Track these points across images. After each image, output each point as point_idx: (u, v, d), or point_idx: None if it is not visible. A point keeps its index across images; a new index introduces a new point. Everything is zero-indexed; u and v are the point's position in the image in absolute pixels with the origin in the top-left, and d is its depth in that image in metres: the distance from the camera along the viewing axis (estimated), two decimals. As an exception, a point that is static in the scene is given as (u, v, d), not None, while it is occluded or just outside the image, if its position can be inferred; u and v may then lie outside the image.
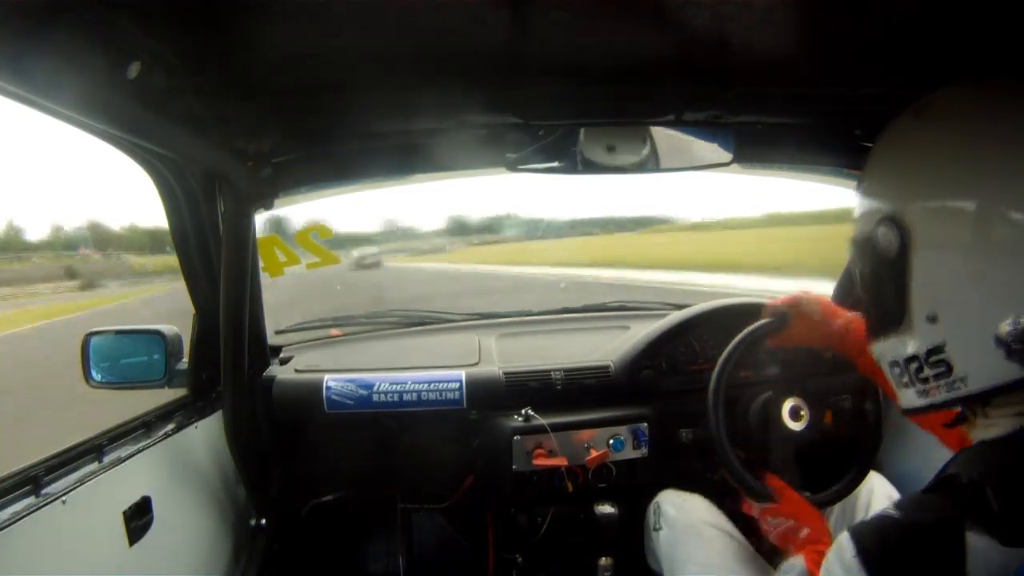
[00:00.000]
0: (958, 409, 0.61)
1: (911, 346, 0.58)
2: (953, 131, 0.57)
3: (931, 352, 0.56)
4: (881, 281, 0.59)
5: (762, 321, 1.11)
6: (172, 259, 1.30)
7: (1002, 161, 0.53)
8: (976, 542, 0.48)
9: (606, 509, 1.34)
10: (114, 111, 0.72)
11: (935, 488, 0.55)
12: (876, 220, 0.59)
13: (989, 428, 0.58)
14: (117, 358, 1.28)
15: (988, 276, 0.52)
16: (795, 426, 1.15)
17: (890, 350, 0.61)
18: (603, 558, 1.38)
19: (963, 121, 0.57)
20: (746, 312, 1.39)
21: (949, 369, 0.55)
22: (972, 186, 0.53)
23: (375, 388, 1.38)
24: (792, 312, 1.05)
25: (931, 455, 0.97)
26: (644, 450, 1.38)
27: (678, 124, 1.16)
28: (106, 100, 0.69)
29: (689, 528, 1.13)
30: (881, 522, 0.54)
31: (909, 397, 0.61)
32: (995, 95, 0.58)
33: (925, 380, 0.58)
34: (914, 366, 0.58)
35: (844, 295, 1.61)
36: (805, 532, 0.94)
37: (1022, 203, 0.51)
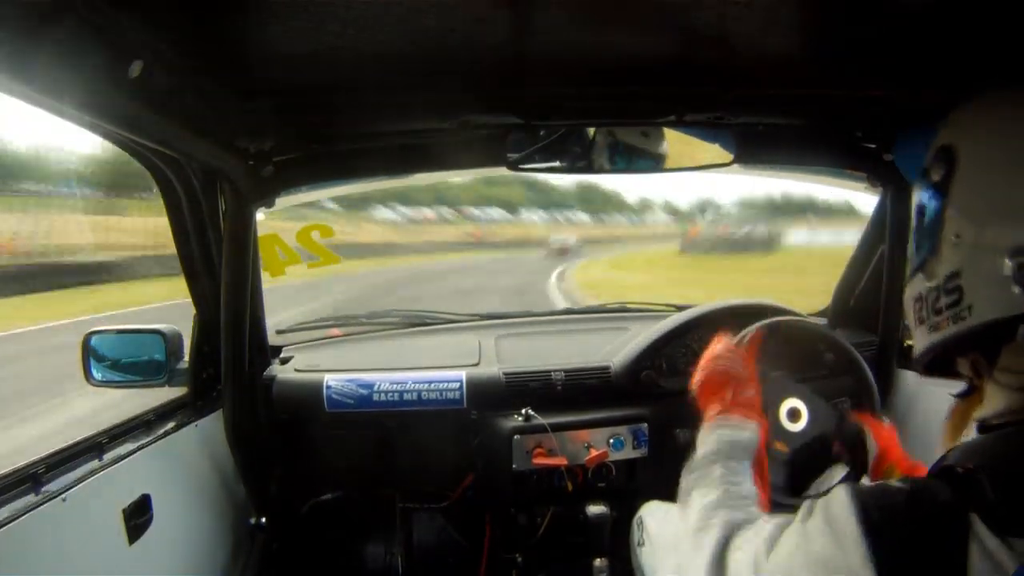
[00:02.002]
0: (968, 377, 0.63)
1: (936, 275, 0.60)
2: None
3: (949, 277, 0.58)
4: (925, 210, 0.63)
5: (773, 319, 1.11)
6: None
7: None
8: (980, 528, 0.48)
9: (598, 509, 1.34)
10: (116, 110, 0.72)
11: (937, 478, 0.55)
12: (935, 151, 0.62)
13: (987, 403, 0.58)
14: (118, 357, 1.28)
15: (1008, 209, 0.55)
16: (792, 427, 1.15)
17: (918, 284, 0.63)
18: (598, 559, 1.38)
19: None
20: (746, 313, 1.39)
21: (960, 298, 0.57)
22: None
23: (375, 388, 1.38)
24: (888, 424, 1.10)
25: (928, 457, 0.97)
26: (644, 450, 1.38)
27: (679, 125, 1.16)
28: (108, 99, 0.69)
29: (669, 543, 1.12)
30: (887, 490, 0.52)
31: (922, 337, 0.63)
32: None
33: (938, 311, 0.59)
34: (933, 296, 0.60)
35: (847, 291, 1.62)
36: None
37: None
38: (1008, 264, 0.52)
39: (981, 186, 0.57)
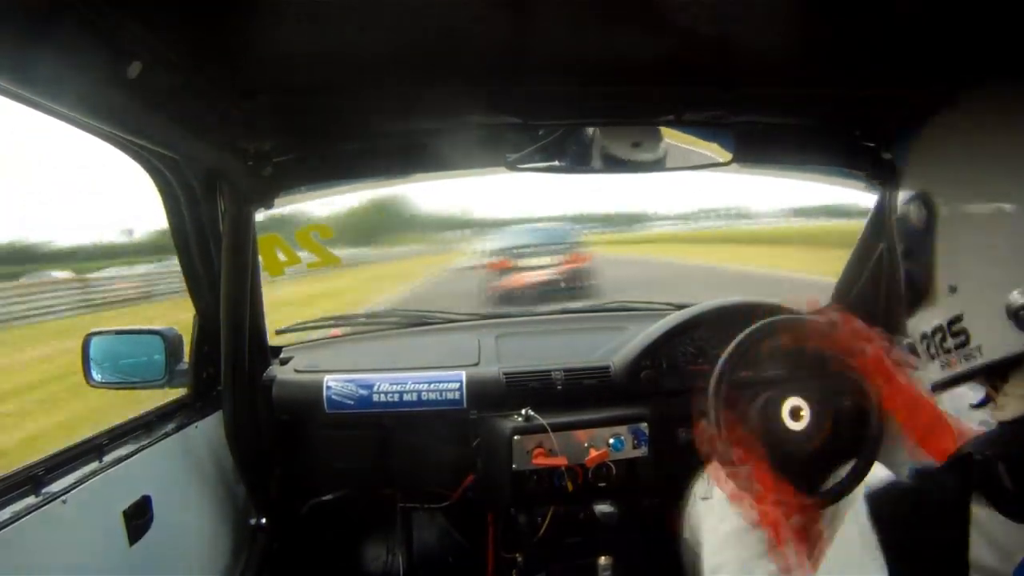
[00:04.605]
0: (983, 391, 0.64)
1: (936, 318, 0.62)
2: (982, 121, 0.61)
3: (952, 322, 0.60)
4: (912, 255, 0.64)
5: (774, 319, 1.13)
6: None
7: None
8: (983, 515, 0.50)
9: (605, 508, 1.34)
10: (114, 111, 0.72)
11: (949, 467, 0.57)
12: (909, 198, 0.64)
13: (1006, 411, 0.59)
14: (117, 358, 1.28)
15: (1001, 249, 0.56)
16: (795, 426, 1.15)
17: (921, 323, 0.65)
18: (603, 557, 1.38)
19: (991, 113, 0.61)
20: (746, 312, 1.39)
21: (967, 340, 0.58)
22: (994, 169, 0.57)
23: (375, 388, 1.38)
24: (811, 313, 1.12)
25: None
26: (644, 450, 1.38)
27: (678, 124, 1.16)
28: (107, 100, 0.69)
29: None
30: (895, 488, 0.57)
31: (934, 371, 0.65)
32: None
33: (948, 351, 0.61)
34: (938, 337, 0.62)
35: (846, 290, 1.62)
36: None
37: None
38: (1011, 308, 0.54)
39: (967, 237, 0.58)
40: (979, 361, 0.58)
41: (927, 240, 0.61)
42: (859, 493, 1.11)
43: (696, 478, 1.24)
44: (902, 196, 0.65)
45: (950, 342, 0.60)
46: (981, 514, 0.50)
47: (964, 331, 0.58)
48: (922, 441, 0.94)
